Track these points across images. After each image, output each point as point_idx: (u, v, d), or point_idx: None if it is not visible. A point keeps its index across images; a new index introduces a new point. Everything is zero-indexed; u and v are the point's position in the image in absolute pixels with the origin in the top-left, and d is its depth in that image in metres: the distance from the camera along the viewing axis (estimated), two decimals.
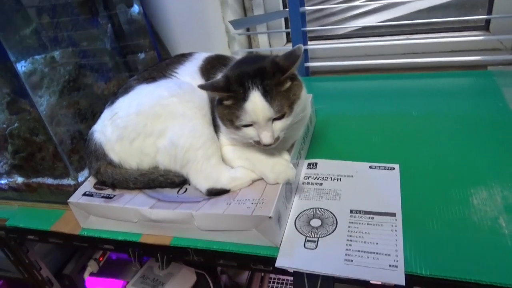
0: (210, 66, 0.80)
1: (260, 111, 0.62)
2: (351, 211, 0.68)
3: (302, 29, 1.18)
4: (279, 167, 0.68)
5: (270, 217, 0.61)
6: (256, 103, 0.62)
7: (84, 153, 0.80)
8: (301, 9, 1.16)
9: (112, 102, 0.77)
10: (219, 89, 0.65)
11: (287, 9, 1.17)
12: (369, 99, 1.04)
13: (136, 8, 1.06)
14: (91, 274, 1.10)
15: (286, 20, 1.40)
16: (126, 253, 0.77)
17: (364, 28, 1.36)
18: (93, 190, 0.76)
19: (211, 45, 1.31)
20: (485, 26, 1.22)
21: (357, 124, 0.94)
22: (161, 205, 0.70)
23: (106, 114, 0.77)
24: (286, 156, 0.72)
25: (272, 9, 1.37)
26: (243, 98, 0.63)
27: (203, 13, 1.24)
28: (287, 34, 1.45)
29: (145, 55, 1.17)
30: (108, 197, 0.74)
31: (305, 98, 0.70)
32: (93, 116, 0.87)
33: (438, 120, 0.89)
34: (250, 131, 0.64)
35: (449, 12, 1.25)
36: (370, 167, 0.77)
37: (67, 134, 0.84)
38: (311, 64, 1.27)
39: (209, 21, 1.27)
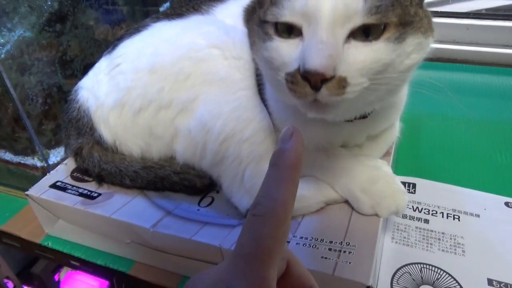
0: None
1: None
2: (491, 282, 0.39)
3: None
4: (380, 186, 0.40)
5: (368, 287, 0.33)
6: None
7: (62, 120, 0.52)
8: None
9: (114, 47, 0.49)
10: None
11: None
12: (479, 98, 0.74)
13: None
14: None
15: None
16: (108, 281, 0.50)
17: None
18: (69, 181, 0.49)
19: None
20: None
21: (467, 131, 0.64)
22: (171, 224, 0.42)
23: (102, 64, 0.49)
24: (385, 168, 0.44)
25: None
26: None
27: None
28: None
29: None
30: (89, 196, 0.47)
31: (418, 52, 0.33)
32: (84, 69, 0.58)
33: None
34: (284, 48, 0.32)
35: None
36: (507, 204, 0.49)
37: (38, 89, 0.54)
38: None
39: None
